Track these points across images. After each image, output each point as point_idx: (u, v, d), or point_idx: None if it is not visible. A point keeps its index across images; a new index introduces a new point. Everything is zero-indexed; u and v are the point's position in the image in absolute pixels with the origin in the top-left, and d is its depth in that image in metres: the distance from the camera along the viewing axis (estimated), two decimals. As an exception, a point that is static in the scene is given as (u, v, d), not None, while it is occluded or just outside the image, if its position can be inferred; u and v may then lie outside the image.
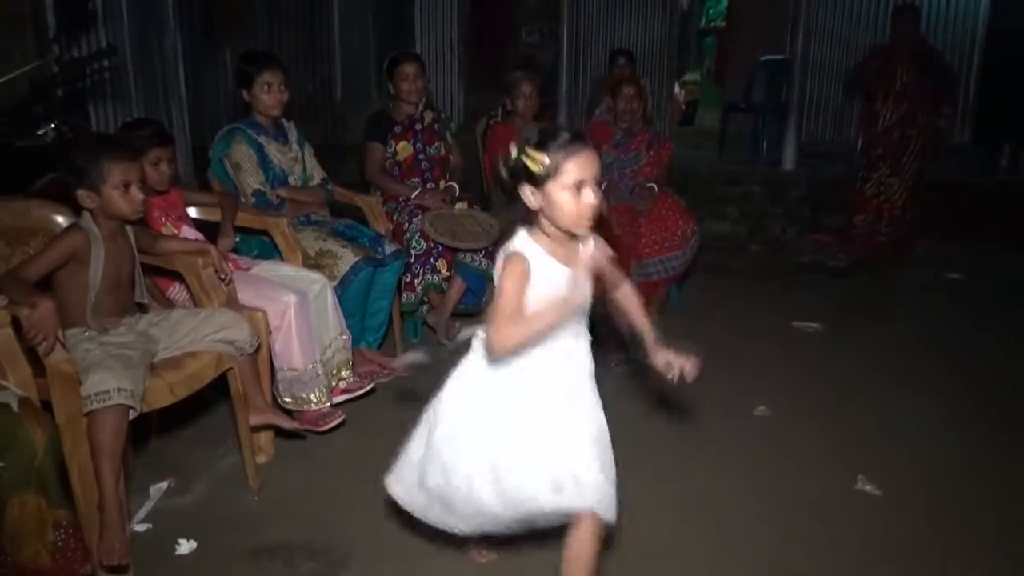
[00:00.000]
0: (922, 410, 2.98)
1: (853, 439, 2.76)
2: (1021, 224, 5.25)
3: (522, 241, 1.65)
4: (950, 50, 6.64)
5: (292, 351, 2.63)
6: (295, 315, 2.61)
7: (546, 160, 1.59)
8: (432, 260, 3.50)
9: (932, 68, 4.86)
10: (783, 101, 6.25)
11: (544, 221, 1.65)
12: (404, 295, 3.47)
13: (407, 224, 3.52)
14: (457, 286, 3.53)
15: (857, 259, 5.03)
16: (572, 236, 1.64)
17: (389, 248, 3.22)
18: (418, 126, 3.72)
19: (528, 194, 1.65)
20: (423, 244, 3.47)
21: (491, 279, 3.65)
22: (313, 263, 2.98)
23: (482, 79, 7.20)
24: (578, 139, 1.59)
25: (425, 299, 3.55)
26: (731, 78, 7.98)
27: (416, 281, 3.47)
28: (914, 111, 4.84)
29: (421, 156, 3.72)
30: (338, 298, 2.86)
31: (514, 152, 1.63)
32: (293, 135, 3.26)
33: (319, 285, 2.77)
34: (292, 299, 2.62)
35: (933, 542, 2.20)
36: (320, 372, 2.69)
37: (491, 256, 3.53)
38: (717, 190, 5.87)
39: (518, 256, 1.62)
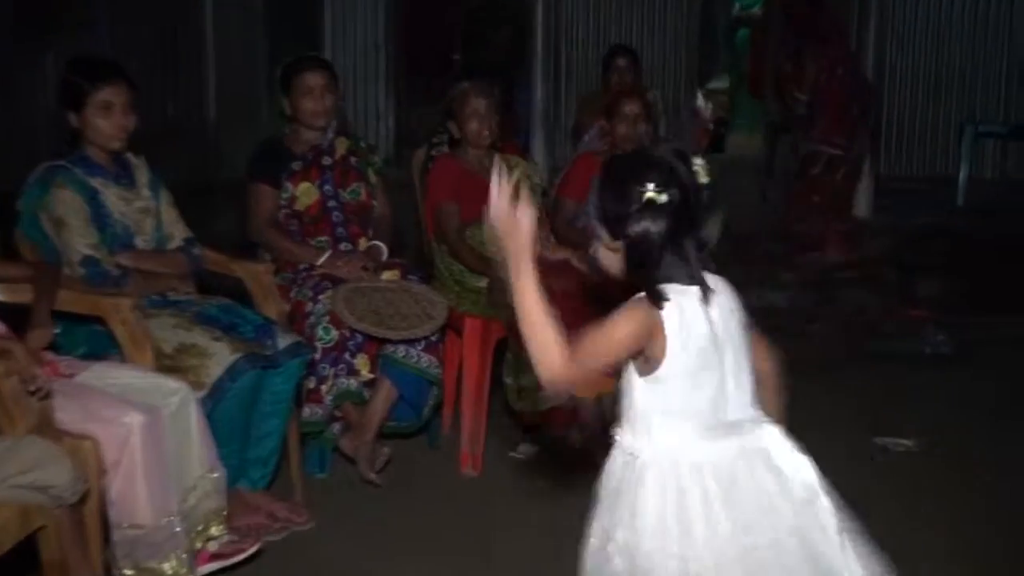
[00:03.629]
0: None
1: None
2: None
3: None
4: None
5: (136, 499, 2.62)
6: (141, 444, 2.61)
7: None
8: (347, 356, 3.51)
9: None
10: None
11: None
12: (306, 409, 3.48)
13: (310, 304, 3.54)
14: (384, 394, 3.55)
15: (968, 344, 5.11)
16: None
17: (284, 340, 3.23)
18: (327, 160, 3.79)
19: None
20: (334, 333, 3.48)
21: (436, 383, 3.61)
22: (170, 364, 2.98)
23: (421, 91, 7.29)
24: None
25: (338, 414, 3.57)
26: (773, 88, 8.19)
27: (324, 388, 3.48)
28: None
29: (331, 203, 3.77)
30: (207, 416, 2.88)
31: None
32: (143, 176, 3.31)
33: (178, 398, 2.79)
34: (137, 420, 2.62)
35: None
36: (178, 529, 2.68)
37: (434, 349, 3.56)
38: (763, 246, 5.95)
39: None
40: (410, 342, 3.50)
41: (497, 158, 3.83)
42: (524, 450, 3.86)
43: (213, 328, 3.10)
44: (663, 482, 1.84)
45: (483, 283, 3.81)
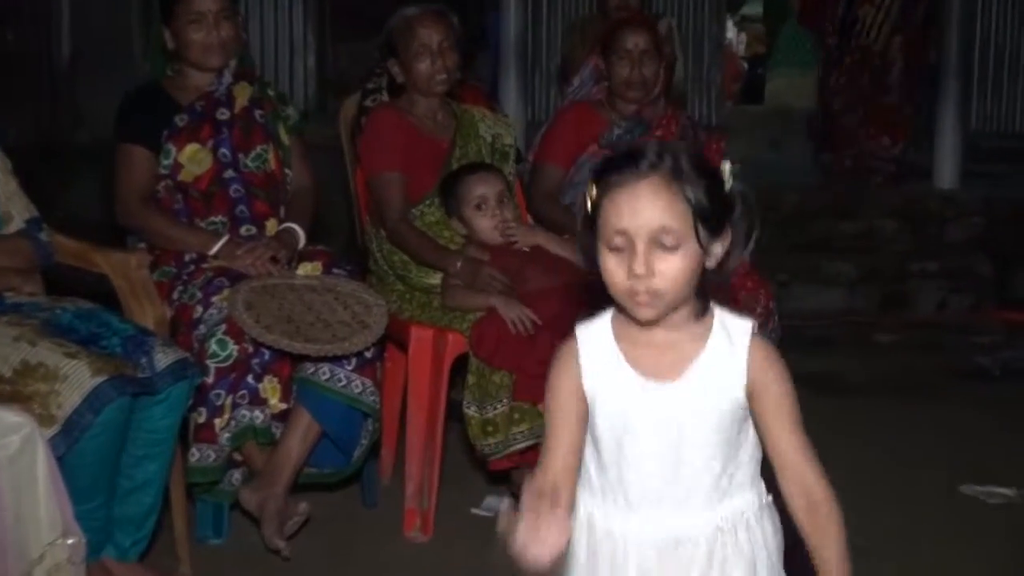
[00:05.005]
0: None
1: None
2: None
3: None
4: None
5: None
6: None
7: (594, 192, 1.93)
8: (251, 380, 3.48)
9: None
10: (935, 59, 6.67)
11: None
12: (194, 451, 3.44)
13: (200, 308, 3.50)
14: (301, 431, 3.52)
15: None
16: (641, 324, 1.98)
17: (164, 358, 3.15)
18: (223, 114, 3.79)
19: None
20: (232, 348, 3.45)
21: (372, 415, 3.62)
22: (9, 390, 2.95)
23: (353, 19, 7.37)
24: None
25: (237, 458, 3.56)
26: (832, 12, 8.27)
27: (219, 423, 3.44)
28: None
29: (229, 173, 3.76)
30: (59, 461, 2.82)
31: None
32: None
33: (19, 437, 2.75)
34: None
35: None
36: None
37: (370, 368, 3.56)
38: (816, 227, 6.05)
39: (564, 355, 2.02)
40: (336, 360, 3.48)
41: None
42: (491, 505, 3.82)
43: (67, 341, 3.04)
44: None
45: (435, 280, 3.79)
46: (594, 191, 1.92)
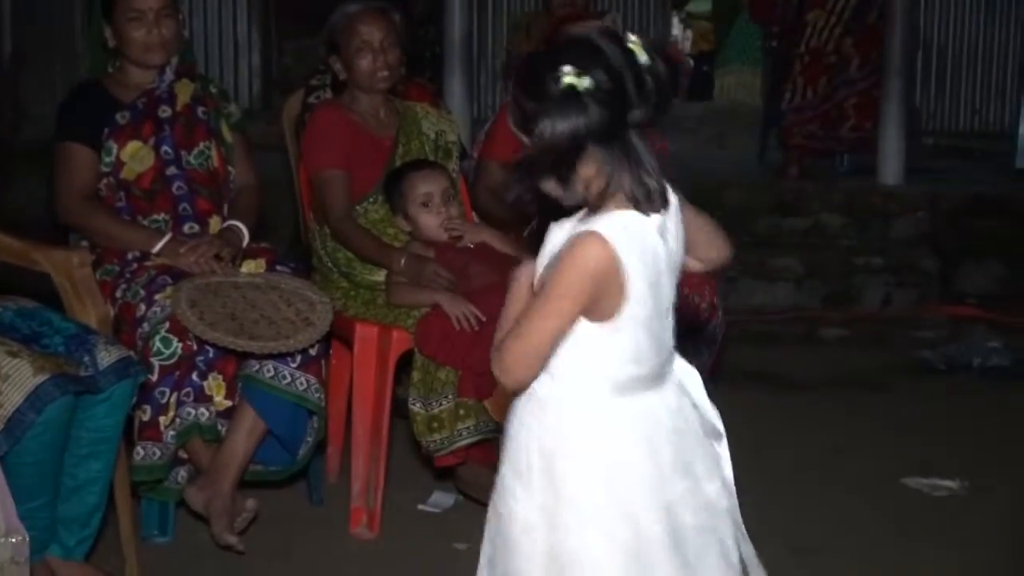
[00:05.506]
0: None
1: None
2: None
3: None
4: None
5: None
6: None
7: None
8: (195, 377, 3.50)
9: None
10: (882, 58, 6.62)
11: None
12: (139, 449, 3.43)
13: (143, 306, 3.50)
14: (246, 428, 3.51)
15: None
16: None
17: (107, 356, 3.12)
18: (165, 112, 3.78)
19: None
20: (176, 346, 3.45)
21: (317, 412, 3.61)
22: None
23: (297, 16, 7.35)
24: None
25: (183, 456, 3.55)
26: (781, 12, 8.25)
27: (163, 420, 3.44)
28: None
29: (171, 170, 3.77)
30: (1, 461, 2.80)
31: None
32: None
33: None
34: None
35: None
36: None
37: (315, 365, 3.56)
38: (763, 224, 6.09)
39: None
40: (281, 357, 3.47)
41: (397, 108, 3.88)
42: (437, 501, 3.85)
43: (8, 340, 3.02)
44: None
45: (380, 277, 3.80)
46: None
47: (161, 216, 3.72)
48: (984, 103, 8.74)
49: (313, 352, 3.50)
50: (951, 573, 3.45)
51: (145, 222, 3.70)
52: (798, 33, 7.14)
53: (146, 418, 3.39)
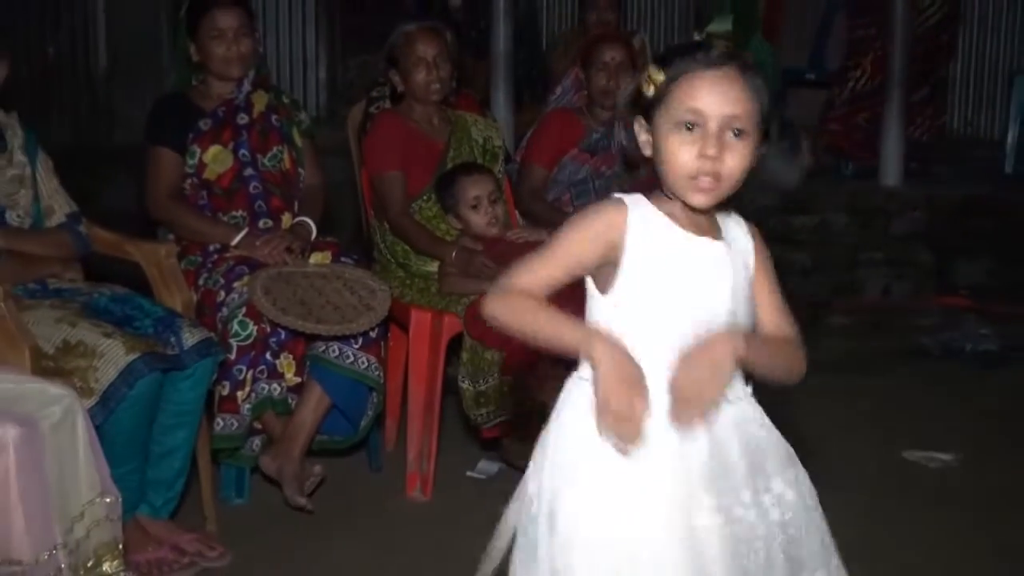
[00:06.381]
0: None
1: None
2: None
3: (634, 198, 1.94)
4: None
5: (11, 529, 2.61)
6: (16, 463, 2.61)
7: (661, 76, 1.89)
8: (268, 356, 3.56)
9: None
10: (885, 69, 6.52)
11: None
12: (219, 421, 3.50)
13: (223, 293, 3.57)
14: (314, 402, 3.58)
15: (1018, 339, 5.26)
16: (697, 211, 1.93)
17: (190, 337, 3.24)
18: (242, 119, 3.85)
19: (639, 131, 1.95)
20: (252, 328, 3.51)
21: (376, 388, 3.61)
22: (52, 366, 2.98)
23: (360, 34, 7.23)
24: (722, 57, 1.89)
25: (257, 427, 3.61)
26: (792, 28, 8.21)
27: (240, 395, 3.51)
28: None
29: (248, 172, 3.83)
30: (98, 429, 2.87)
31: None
32: (16, 138, 3.34)
33: (61, 407, 2.77)
34: (11, 434, 2.62)
35: None
36: (63, 565, 2.68)
37: (375, 346, 3.60)
38: (773, 222, 6.00)
39: (611, 205, 1.93)
40: (344, 339, 3.54)
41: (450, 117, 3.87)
42: (484, 468, 3.92)
43: (104, 322, 3.11)
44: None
45: (433, 268, 3.87)
46: (660, 74, 1.87)
47: (239, 213, 3.77)
48: (975, 114, 8.69)
49: (373, 334, 3.57)
50: (947, 535, 3.49)
51: (224, 218, 3.76)
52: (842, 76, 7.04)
53: (225, 393, 3.47)
